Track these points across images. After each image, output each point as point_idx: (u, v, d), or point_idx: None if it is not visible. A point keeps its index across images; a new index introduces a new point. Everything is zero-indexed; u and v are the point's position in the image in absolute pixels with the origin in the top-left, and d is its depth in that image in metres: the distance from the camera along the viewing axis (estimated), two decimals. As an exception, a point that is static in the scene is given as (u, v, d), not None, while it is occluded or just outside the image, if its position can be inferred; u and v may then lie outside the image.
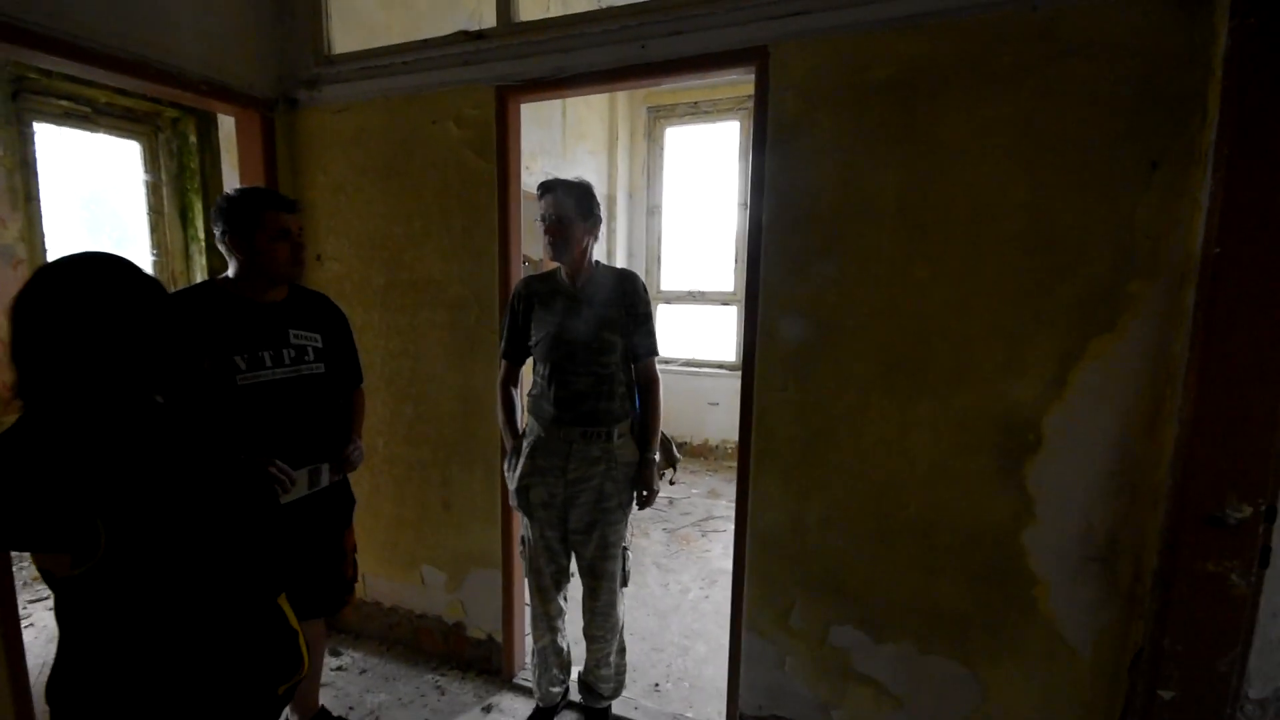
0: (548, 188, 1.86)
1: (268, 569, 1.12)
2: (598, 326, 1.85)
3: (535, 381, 1.96)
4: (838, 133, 1.67)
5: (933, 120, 1.58)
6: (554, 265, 1.97)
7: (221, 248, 1.64)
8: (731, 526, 3.86)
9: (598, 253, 1.97)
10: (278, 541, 1.17)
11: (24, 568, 2.86)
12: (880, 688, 1.79)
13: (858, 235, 1.68)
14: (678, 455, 2.12)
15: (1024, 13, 1.47)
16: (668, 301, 5.62)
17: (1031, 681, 1.63)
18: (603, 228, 1.97)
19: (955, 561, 1.67)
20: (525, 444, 1.97)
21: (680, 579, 3.28)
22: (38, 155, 3.95)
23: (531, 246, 3.00)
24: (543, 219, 1.85)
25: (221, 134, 2.89)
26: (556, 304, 1.91)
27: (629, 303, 1.89)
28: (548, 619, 2.05)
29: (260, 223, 1.60)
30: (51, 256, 4.01)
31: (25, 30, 1.66)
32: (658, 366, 1.99)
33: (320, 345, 1.77)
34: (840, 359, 1.74)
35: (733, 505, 4.20)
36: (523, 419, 2.06)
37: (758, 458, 1.87)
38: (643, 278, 2.08)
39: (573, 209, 1.83)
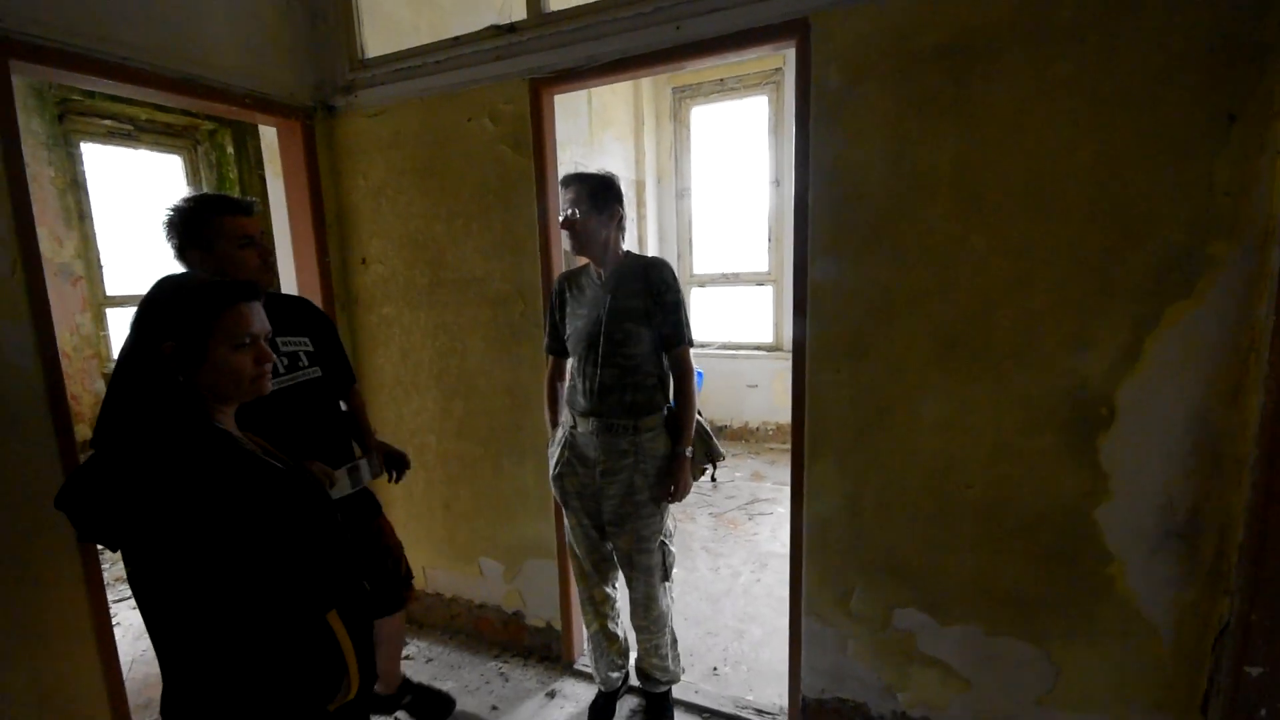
0: (565, 183, 1.85)
1: (316, 585, 1.06)
2: (621, 317, 1.83)
3: (569, 374, 1.98)
4: (886, 104, 1.62)
5: (988, 85, 1.51)
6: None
7: (179, 264, 1.52)
8: (778, 509, 3.88)
9: (629, 240, 1.94)
10: (328, 556, 1.10)
11: (107, 568, 3.02)
12: (947, 669, 1.77)
13: (910, 209, 1.63)
14: (720, 451, 2.05)
15: (1084, -36, 1.39)
16: (701, 285, 5.57)
17: (1107, 661, 1.59)
18: (631, 215, 1.93)
19: (1024, 541, 1.63)
20: (561, 434, 1.99)
21: (730, 563, 3.28)
22: (87, 174, 4.11)
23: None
24: (560, 214, 1.85)
25: (264, 144, 2.94)
26: (584, 297, 1.91)
27: (656, 291, 1.85)
28: (593, 604, 2.07)
29: (220, 230, 1.48)
30: (108, 272, 4.20)
31: (82, 56, 1.72)
32: (692, 354, 1.94)
33: (311, 349, 1.72)
34: (895, 338, 1.70)
35: (777, 488, 4.23)
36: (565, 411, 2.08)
37: (812, 441, 1.85)
38: (675, 262, 2.04)
39: (586, 203, 1.81)
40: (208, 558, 0.95)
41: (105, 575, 1.87)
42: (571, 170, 1.89)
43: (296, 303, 1.83)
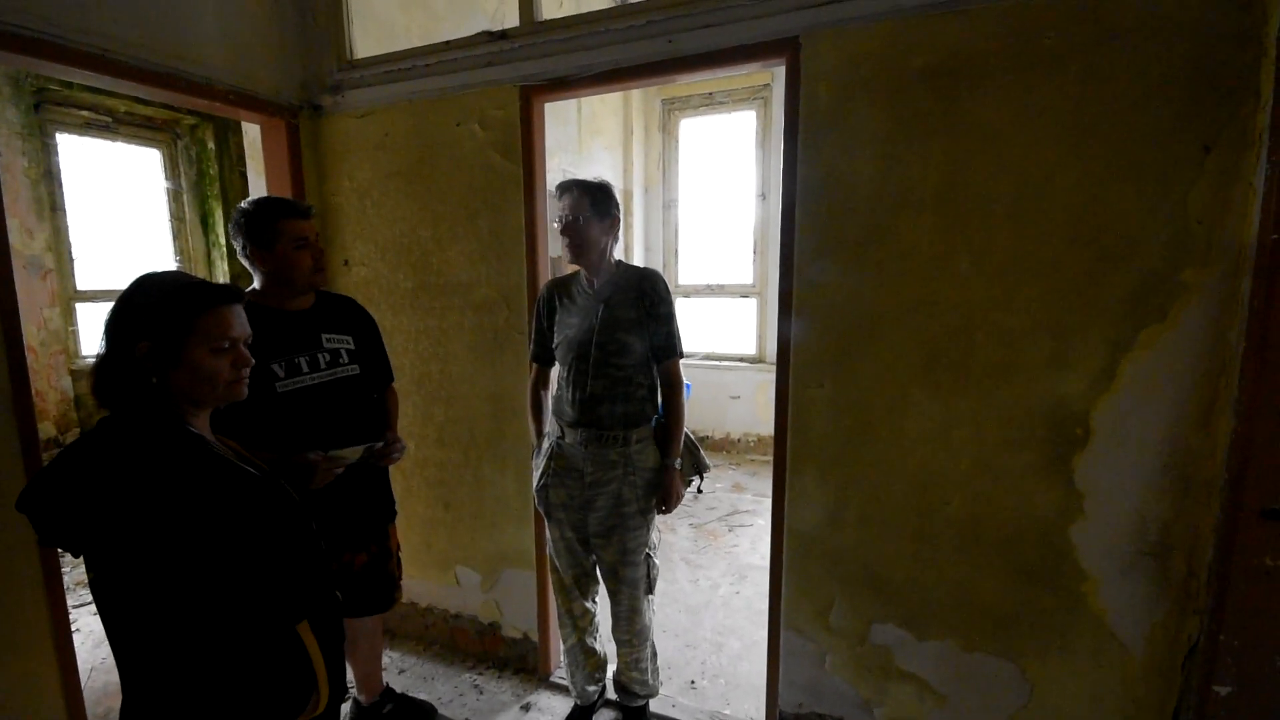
0: (564, 188, 1.83)
1: (287, 595, 1.03)
2: (613, 328, 1.82)
3: (557, 383, 1.96)
4: (874, 123, 1.64)
5: (974, 108, 1.54)
6: (576, 267, 1.95)
7: (244, 261, 1.66)
8: (758, 521, 3.89)
9: (617, 249, 1.94)
10: (300, 565, 1.08)
11: (67, 571, 2.92)
12: (923, 685, 1.78)
13: (896, 227, 1.65)
14: (707, 463, 2.06)
15: (1069, -6, 1.43)
16: (686, 295, 5.59)
17: (1080, 678, 1.61)
18: (620, 225, 1.92)
19: (1000, 558, 1.65)
20: (546, 445, 1.97)
21: (709, 575, 3.27)
22: (61, 166, 4.01)
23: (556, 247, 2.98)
24: (559, 220, 1.83)
25: (246, 141, 2.90)
26: (575, 306, 1.89)
27: (648, 303, 1.85)
28: (571, 618, 2.05)
29: (280, 232, 1.62)
30: (79, 266, 4.09)
31: (60, 46, 1.68)
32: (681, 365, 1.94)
33: (353, 347, 1.81)
34: (879, 354, 1.71)
35: (758, 500, 4.24)
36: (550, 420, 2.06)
37: (794, 455, 1.85)
38: (662, 273, 2.03)
39: (588, 209, 1.80)
40: (174, 564, 0.92)
41: (65, 579, 1.81)
42: (562, 178, 1.88)
43: (344, 302, 1.91)
